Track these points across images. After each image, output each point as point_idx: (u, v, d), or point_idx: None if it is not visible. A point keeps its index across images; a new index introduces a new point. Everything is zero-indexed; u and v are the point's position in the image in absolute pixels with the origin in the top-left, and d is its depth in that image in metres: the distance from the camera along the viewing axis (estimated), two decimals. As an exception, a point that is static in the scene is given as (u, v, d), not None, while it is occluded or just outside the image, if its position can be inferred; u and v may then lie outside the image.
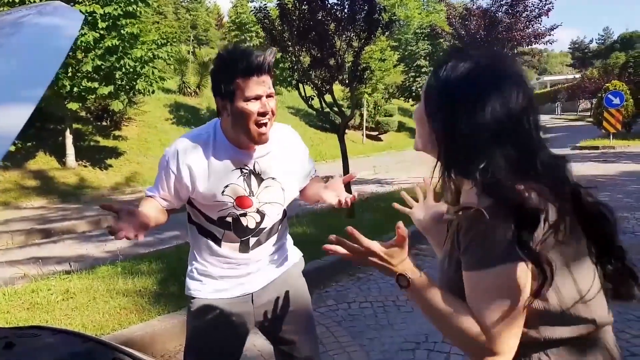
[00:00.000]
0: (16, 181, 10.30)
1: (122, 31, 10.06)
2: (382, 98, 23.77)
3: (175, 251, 4.87)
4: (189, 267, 1.80)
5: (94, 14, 10.02)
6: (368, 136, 23.14)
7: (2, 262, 5.65)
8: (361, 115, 22.48)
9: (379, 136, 24.24)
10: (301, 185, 1.83)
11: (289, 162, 1.75)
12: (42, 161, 11.39)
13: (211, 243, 1.71)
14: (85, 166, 11.78)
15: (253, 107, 1.55)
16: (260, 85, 1.55)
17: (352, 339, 3.22)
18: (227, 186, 1.63)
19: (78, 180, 10.92)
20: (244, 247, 1.72)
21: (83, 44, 9.93)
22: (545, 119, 33.98)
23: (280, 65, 14.79)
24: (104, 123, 14.26)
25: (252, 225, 1.70)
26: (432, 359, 2.92)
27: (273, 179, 1.70)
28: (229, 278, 1.73)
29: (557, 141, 18.00)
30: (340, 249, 1.01)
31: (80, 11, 9.41)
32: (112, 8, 10.20)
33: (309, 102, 6.39)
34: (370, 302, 3.86)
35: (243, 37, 15.32)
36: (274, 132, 1.66)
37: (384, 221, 5.92)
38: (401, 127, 26.37)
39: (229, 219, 1.68)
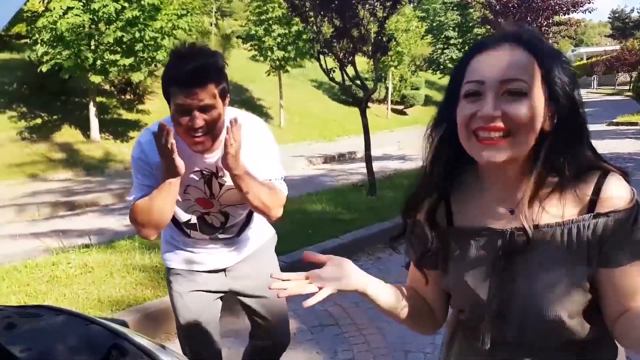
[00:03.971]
0: (43, 154, 10.47)
1: (142, 2, 9.95)
2: (409, 71, 23.18)
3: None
4: (163, 236, 1.81)
5: (115, -15, 9.93)
6: (393, 110, 22.70)
7: (27, 234, 5.76)
8: (386, 88, 22.03)
9: (405, 110, 23.76)
10: None
11: (249, 160, 1.57)
12: (68, 134, 11.53)
13: (181, 233, 1.74)
14: (108, 139, 11.88)
15: (181, 119, 1.43)
16: (191, 97, 1.39)
17: (370, 322, 3.14)
18: (187, 187, 1.58)
19: (102, 153, 11.03)
20: (214, 238, 1.74)
21: (105, 15, 9.87)
22: (580, 94, 32.64)
23: (304, 36, 14.50)
24: (127, 96, 14.31)
25: (217, 224, 1.69)
26: (451, 344, 2.82)
27: None
28: (200, 254, 1.75)
29: (593, 117, 17.28)
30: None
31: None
32: (133, -21, 10.08)
33: (330, 75, 6.21)
34: (390, 282, 3.75)
35: (265, 7, 14.98)
36: (243, 132, 1.55)
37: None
38: (428, 101, 25.77)
39: (194, 221, 1.67)
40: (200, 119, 1.40)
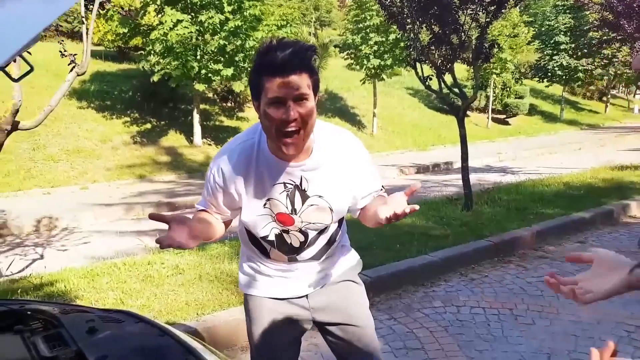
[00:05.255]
0: (151, 156, 11.28)
1: (245, 12, 10.39)
2: (512, 78, 21.92)
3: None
4: (241, 260, 1.72)
5: (222, -2, 10.46)
6: (494, 119, 21.58)
7: (131, 231, 6.18)
8: (487, 96, 21.01)
9: (507, 120, 22.48)
10: (360, 205, 1.56)
11: (344, 178, 1.48)
12: (173, 139, 12.34)
13: (259, 252, 1.63)
14: (209, 144, 12.53)
15: (274, 112, 1.31)
16: (285, 86, 1.29)
17: (459, 349, 2.89)
18: (268, 200, 1.48)
19: (203, 158, 11.63)
20: (293, 260, 1.61)
21: (210, 26, 10.44)
22: None
23: (401, 44, 14.27)
24: (229, 104, 15.04)
25: (296, 244, 1.56)
26: (554, 387, 2.50)
27: (320, 197, 1.48)
28: (280, 278, 1.63)
29: None
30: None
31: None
32: (238, -8, 10.57)
33: (427, 83, 5.96)
34: (483, 307, 3.46)
35: (363, 15, 14.99)
36: (330, 142, 1.45)
37: (504, 216, 5.35)
38: (533, 111, 24.21)
39: (272, 238, 1.55)
40: (294, 111, 1.30)
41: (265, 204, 1.49)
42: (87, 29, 3.45)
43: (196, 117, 12.05)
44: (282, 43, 1.32)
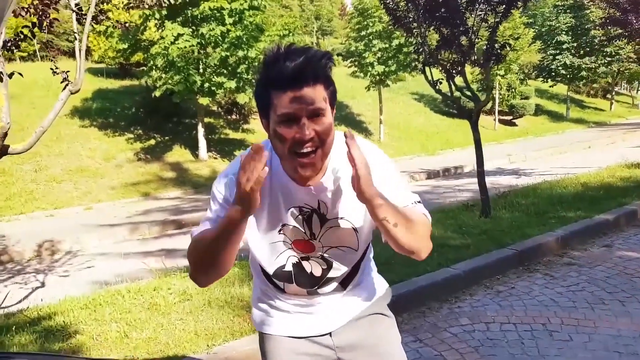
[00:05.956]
0: (155, 173, 11.11)
1: (245, 22, 10.27)
2: (517, 79, 21.70)
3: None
4: (254, 294, 1.50)
5: (222, 10, 10.34)
6: (501, 121, 21.34)
7: (137, 252, 5.98)
8: (493, 98, 20.78)
9: (513, 121, 22.24)
10: None
11: (387, 195, 1.25)
12: (178, 154, 12.18)
13: (273, 286, 1.41)
14: (215, 158, 12.36)
15: (286, 131, 1.11)
16: (298, 101, 1.09)
17: (493, 374, 2.65)
18: (283, 225, 1.27)
19: (209, 172, 11.45)
20: (314, 293, 1.39)
21: (212, 38, 10.31)
22: None
23: (404, 49, 14.10)
24: (234, 116, 14.90)
25: (317, 272, 1.34)
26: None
27: (341, 218, 1.27)
28: (300, 314, 1.41)
29: None
30: None
31: (209, 8, 9.75)
32: (238, 3, 10.45)
33: (437, 87, 5.75)
34: (514, 323, 3.21)
35: (365, 22, 14.87)
36: (344, 155, 1.22)
37: (525, 221, 5.10)
38: (539, 111, 23.95)
39: (289, 267, 1.33)
40: (309, 129, 1.10)
41: (280, 230, 1.29)
42: (80, 44, 3.27)
43: (201, 131, 11.90)
44: (291, 50, 1.11)
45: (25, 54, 19.09)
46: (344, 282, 1.40)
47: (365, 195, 1.11)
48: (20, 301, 4.48)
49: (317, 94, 1.10)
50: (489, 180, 5.99)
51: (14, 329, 3.09)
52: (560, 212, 5.45)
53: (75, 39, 3.52)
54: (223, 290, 3.60)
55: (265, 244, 1.31)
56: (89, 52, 17.22)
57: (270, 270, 1.35)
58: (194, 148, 12.28)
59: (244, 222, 1.15)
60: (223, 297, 3.49)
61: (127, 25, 7.90)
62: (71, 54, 20.12)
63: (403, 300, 3.40)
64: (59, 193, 9.60)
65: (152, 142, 12.39)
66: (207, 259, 1.21)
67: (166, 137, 12.67)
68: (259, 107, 1.19)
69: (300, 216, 1.27)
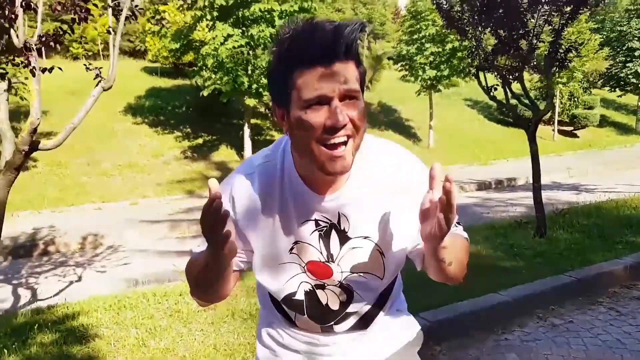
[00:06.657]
0: (201, 172, 11.20)
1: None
2: (580, 87, 20.49)
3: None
4: (259, 326, 1.26)
5: (272, 12, 10.29)
6: (560, 132, 20.21)
7: (173, 251, 5.94)
8: (552, 107, 19.73)
9: (574, 132, 21.02)
10: (422, 249, 1.05)
11: (397, 212, 1.01)
12: (224, 153, 12.26)
13: (283, 317, 1.17)
14: (261, 159, 12.37)
15: (314, 116, 0.87)
16: (329, 79, 0.86)
17: None
18: (295, 243, 1.03)
19: (253, 173, 11.45)
20: (329, 330, 1.14)
21: (261, 40, 10.27)
22: None
23: (458, 54, 13.59)
24: (280, 118, 14.92)
25: (334, 305, 1.09)
26: None
27: (365, 237, 1.02)
28: (311, 355, 1.17)
29: None
30: None
31: (260, 9, 9.71)
32: (288, 5, 10.37)
33: (491, 93, 5.36)
34: (571, 364, 2.82)
35: (418, 25, 14.47)
36: (375, 163, 1.01)
37: (586, 245, 4.62)
38: (604, 122, 22.54)
39: (300, 296, 1.08)
40: (343, 114, 0.87)
41: (291, 249, 1.05)
42: (114, 41, 3.18)
43: (247, 132, 11.91)
44: (315, 23, 0.88)
45: (90, 53, 19.90)
46: (366, 319, 1.13)
47: (438, 236, 0.90)
48: (54, 295, 4.51)
49: (350, 72, 0.88)
50: (545, 195, 5.51)
51: (36, 327, 3.03)
52: (628, 236, 4.90)
53: (113, 33, 3.44)
54: (248, 301, 3.41)
55: (274, 266, 1.07)
56: (145, 51, 17.73)
57: (280, 296, 1.11)
58: (239, 148, 12.32)
59: (223, 260, 0.95)
60: (248, 308, 3.30)
61: (164, 22, 7.92)
62: (131, 53, 20.80)
63: (442, 328, 3.08)
64: (108, 187, 9.84)
65: (200, 141, 12.54)
66: (201, 284, 1.07)
67: (213, 137, 12.79)
68: (274, 93, 0.96)
69: (316, 231, 1.03)
